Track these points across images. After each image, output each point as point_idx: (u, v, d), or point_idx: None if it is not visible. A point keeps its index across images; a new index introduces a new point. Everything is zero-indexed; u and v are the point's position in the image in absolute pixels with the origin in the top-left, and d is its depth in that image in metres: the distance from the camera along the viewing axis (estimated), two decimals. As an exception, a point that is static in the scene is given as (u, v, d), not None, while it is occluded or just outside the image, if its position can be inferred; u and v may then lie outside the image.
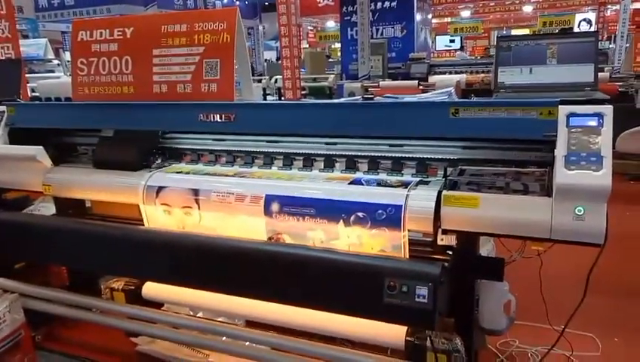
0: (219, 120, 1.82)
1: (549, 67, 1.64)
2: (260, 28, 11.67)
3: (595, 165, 1.30)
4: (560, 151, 1.34)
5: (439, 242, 1.51)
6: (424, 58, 8.14)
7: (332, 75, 8.73)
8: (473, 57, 13.41)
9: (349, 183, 1.66)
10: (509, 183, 1.51)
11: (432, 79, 6.76)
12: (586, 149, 1.32)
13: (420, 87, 5.76)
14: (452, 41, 19.43)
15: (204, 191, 1.78)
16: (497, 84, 1.69)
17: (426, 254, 1.57)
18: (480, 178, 1.59)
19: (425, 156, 1.72)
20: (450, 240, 1.52)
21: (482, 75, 6.82)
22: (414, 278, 1.36)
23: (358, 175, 1.75)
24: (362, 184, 1.65)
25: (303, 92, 8.71)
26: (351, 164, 1.81)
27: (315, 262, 1.51)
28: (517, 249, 1.66)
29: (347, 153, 1.82)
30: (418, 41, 10.17)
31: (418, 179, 1.66)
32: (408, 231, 1.52)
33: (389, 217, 1.52)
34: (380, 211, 1.53)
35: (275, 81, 8.47)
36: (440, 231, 1.52)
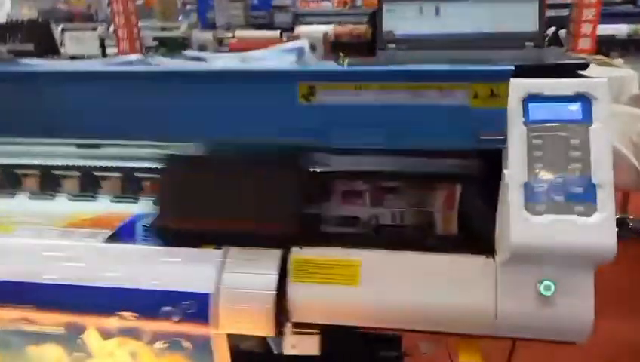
0: None
1: (466, 5, 0.96)
2: (97, -36, 9.71)
3: (583, 203, 0.65)
4: (515, 175, 0.66)
5: (289, 350, 0.78)
6: (288, 6, 7.28)
7: (185, 24, 7.52)
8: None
9: (109, 237, 0.82)
10: (409, 225, 0.82)
11: (298, 30, 5.99)
12: (564, 170, 0.66)
13: (284, 39, 4.95)
14: (319, -10, 18.67)
15: None
16: (383, 36, 0.97)
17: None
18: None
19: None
20: (309, 344, 0.79)
21: (352, 26, 6.22)
22: None
23: (137, 211, 0.92)
24: (135, 236, 0.83)
25: (153, 44, 7.40)
26: (128, 184, 0.97)
27: None
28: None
29: (122, 165, 0.98)
30: (284, -12, 9.21)
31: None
32: (227, 336, 0.76)
33: (188, 315, 0.74)
34: (167, 308, 0.74)
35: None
36: (289, 328, 0.78)
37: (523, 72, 0.68)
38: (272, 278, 0.74)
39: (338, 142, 0.72)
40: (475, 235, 0.83)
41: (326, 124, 0.71)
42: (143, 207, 0.94)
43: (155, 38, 7.40)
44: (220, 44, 5.41)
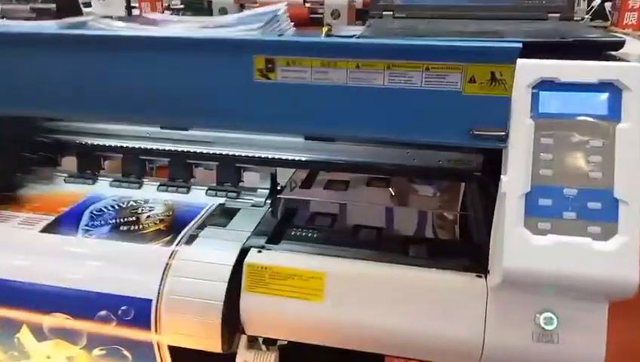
0: None
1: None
2: None
3: (601, 223, 0.51)
4: (515, 183, 0.53)
5: (241, 366, 0.68)
6: (319, -31, 6.97)
7: (209, -13, 7.33)
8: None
9: (47, 225, 0.73)
10: (393, 228, 0.70)
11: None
12: (578, 180, 0.52)
13: (307, 5, 4.72)
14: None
15: None
16: (377, 2, 0.82)
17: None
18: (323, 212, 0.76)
19: (231, 153, 0.83)
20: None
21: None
22: None
23: (93, 192, 0.82)
24: (79, 225, 0.73)
25: (178, 6, 7.27)
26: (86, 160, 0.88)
27: None
28: None
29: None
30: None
31: (214, 205, 0.79)
32: (169, 349, 0.66)
33: (127, 321, 0.65)
34: (104, 312, 0.64)
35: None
36: (242, 340, 0.68)
37: (536, 50, 0.53)
38: (221, 287, 0.63)
39: (301, 129, 0.59)
40: (473, 246, 0.71)
41: (288, 106, 0.59)
42: (102, 187, 0.85)
43: (182, 1, 7.30)
44: (242, 8, 5.23)
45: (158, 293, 0.64)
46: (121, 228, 0.70)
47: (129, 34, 0.61)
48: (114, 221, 0.71)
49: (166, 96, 0.60)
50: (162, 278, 0.65)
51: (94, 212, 0.74)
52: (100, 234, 0.68)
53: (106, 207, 0.74)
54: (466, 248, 0.70)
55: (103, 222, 0.71)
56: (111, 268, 0.66)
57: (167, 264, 0.66)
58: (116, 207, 0.74)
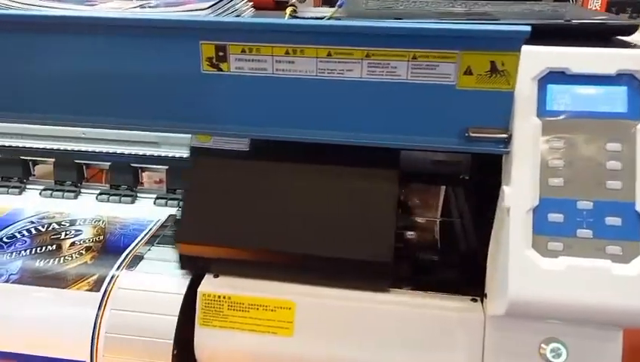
0: None
1: None
2: None
3: (621, 242, 0.43)
4: (520, 196, 0.44)
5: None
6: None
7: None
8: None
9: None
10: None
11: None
12: (594, 191, 0.44)
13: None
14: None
15: None
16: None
17: None
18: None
19: (183, 156, 0.72)
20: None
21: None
22: None
23: (17, 207, 0.69)
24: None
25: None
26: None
27: None
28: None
29: None
30: None
31: (161, 220, 0.67)
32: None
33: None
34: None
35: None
36: (200, 382, 0.58)
37: (541, 36, 0.44)
38: (170, 322, 0.53)
39: (260, 132, 0.49)
40: (463, 258, 0.62)
41: (244, 104, 0.48)
42: (30, 198, 0.72)
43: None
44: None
45: (92, 352, 0.52)
46: (37, 262, 0.57)
47: (42, 14, 0.49)
48: (28, 251, 0.58)
49: (92, 92, 0.48)
50: (94, 331, 0.53)
51: (4, 239, 0.60)
52: (8, 276, 0.55)
53: (20, 232, 0.61)
54: (455, 261, 0.62)
55: (14, 255, 0.57)
56: (33, 322, 0.54)
57: (101, 301, 0.54)
58: (33, 232, 0.61)
